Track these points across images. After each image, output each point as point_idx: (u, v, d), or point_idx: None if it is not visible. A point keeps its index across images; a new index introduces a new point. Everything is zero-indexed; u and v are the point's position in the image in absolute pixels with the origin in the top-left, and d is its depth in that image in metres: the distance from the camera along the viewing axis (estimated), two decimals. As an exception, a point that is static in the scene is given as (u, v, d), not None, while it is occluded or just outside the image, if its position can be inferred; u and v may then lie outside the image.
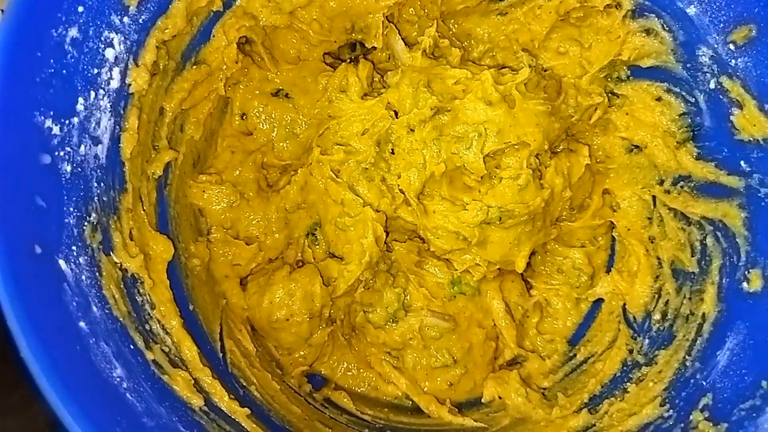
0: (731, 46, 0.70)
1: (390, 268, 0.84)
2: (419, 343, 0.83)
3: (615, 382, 0.80)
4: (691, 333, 0.74)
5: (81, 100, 0.60)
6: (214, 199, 0.80)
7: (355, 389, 0.87)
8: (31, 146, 0.55)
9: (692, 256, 0.78)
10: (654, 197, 0.84)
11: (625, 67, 0.83)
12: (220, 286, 0.80)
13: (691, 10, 0.72)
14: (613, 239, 0.89)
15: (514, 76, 0.77)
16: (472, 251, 0.80)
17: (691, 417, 0.67)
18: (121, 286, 0.62)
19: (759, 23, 0.67)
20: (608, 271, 0.88)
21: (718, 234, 0.75)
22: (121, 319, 0.60)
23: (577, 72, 0.84)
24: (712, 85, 0.73)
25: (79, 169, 0.59)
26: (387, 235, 0.81)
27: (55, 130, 0.57)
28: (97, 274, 0.59)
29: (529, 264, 0.82)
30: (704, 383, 0.68)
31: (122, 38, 0.64)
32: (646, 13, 0.77)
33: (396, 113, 0.80)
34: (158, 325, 0.65)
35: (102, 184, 0.62)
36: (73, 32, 0.58)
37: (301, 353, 0.83)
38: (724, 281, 0.73)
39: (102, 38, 0.61)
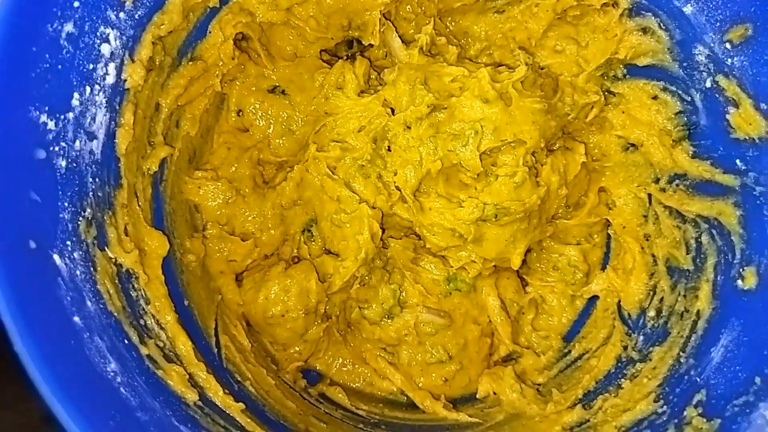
0: (727, 45, 0.70)
1: (386, 265, 0.84)
2: (414, 339, 0.84)
3: (609, 378, 0.80)
4: (685, 330, 0.74)
5: (76, 95, 0.60)
6: (209, 196, 0.80)
7: (350, 385, 0.87)
8: (26, 141, 0.55)
9: (687, 253, 0.79)
10: (649, 195, 0.84)
11: (621, 66, 0.83)
12: (215, 282, 0.80)
13: (688, 9, 0.72)
14: (609, 237, 0.89)
15: (511, 74, 0.77)
16: (468, 248, 0.80)
17: (684, 413, 0.67)
18: (116, 281, 0.62)
19: (755, 22, 0.67)
20: (603, 269, 0.88)
21: (713, 232, 0.75)
22: (115, 314, 0.60)
23: (573, 70, 0.84)
24: (708, 84, 0.73)
25: (74, 165, 0.59)
26: (383, 232, 0.81)
27: (51, 125, 0.57)
28: (92, 269, 0.59)
29: (524, 261, 0.82)
30: (698, 379, 0.69)
31: (118, 34, 0.64)
32: (643, 12, 0.77)
33: (393, 110, 0.80)
34: (153, 320, 0.65)
35: (97, 180, 0.62)
36: (69, 27, 0.58)
37: (297, 349, 0.83)
38: (718, 279, 0.73)
39: (98, 33, 0.61)
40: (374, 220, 0.79)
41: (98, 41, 0.61)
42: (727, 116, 0.72)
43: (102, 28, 0.62)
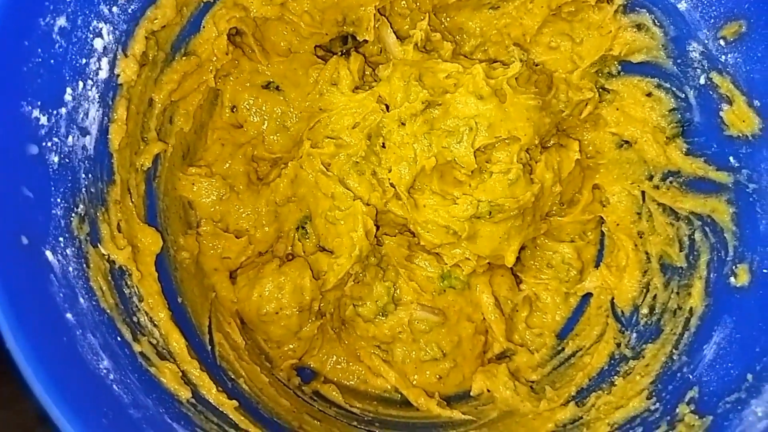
0: (721, 42, 0.70)
1: (380, 262, 0.84)
2: (408, 337, 0.84)
3: (602, 375, 0.80)
4: (678, 327, 0.75)
5: (69, 90, 0.59)
6: (203, 192, 0.80)
7: (345, 382, 0.87)
8: (18, 136, 0.54)
9: (680, 251, 0.79)
10: (643, 192, 0.84)
11: (615, 63, 0.83)
12: (209, 279, 0.79)
13: (682, 6, 0.73)
14: (603, 234, 0.89)
15: (506, 71, 0.77)
16: (462, 245, 0.80)
17: (677, 410, 0.67)
18: (109, 278, 0.62)
19: (749, 19, 0.67)
20: (597, 266, 0.88)
21: (707, 229, 0.75)
22: (108, 311, 0.60)
23: (568, 67, 0.84)
24: (702, 81, 0.74)
25: (67, 160, 0.59)
26: (377, 229, 0.81)
27: (43, 120, 0.56)
28: (85, 265, 0.59)
29: (518, 258, 0.83)
30: (691, 377, 0.69)
31: (111, 28, 0.63)
32: (638, 9, 0.77)
33: (387, 107, 0.80)
34: (146, 318, 0.65)
35: (90, 176, 0.62)
36: (61, 21, 0.58)
37: (291, 346, 0.83)
38: (711, 276, 0.73)
39: (90, 28, 0.61)
40: (368, 217, 0.79)
41: (91, 36, 0.61)
42: (721, 113, 0.72)
43: (95, 22, 0.61)
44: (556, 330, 0.88)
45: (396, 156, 0.78)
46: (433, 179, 0.78)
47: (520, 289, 0.88)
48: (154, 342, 0.64)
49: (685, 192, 0.78)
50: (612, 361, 0.81)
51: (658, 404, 0.70)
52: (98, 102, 0.63)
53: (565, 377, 0.84)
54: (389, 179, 0.79)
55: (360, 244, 0.79)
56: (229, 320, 0.79)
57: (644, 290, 0.82)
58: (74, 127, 0.60)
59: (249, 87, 0.84)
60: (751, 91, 0.68)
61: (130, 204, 0.68)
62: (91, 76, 0.62)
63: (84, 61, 0.61)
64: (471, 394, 0.85)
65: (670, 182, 0.81)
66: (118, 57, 0.64)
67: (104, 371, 0.56)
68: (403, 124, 0.78)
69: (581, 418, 0.76)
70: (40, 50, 0.56)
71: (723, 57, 0.70)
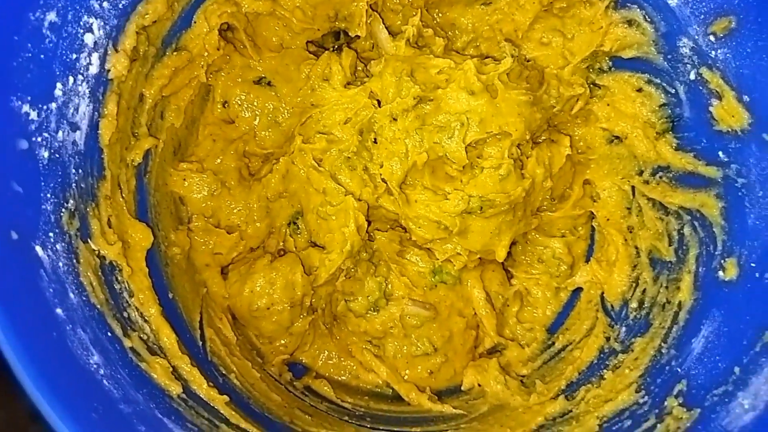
0: (711, 38, 0.71)
1: (371, 257, 0.85)
2: (400, 332, 0.84)
3: (592, 369, 0.81)
4: (667, 321, 0.75)
5: (59, 85, 0.59)
6: (194, 188, 0.80)
7: (336, 377, 0.87)
8: (8, 131, 0.54)
9: (670, 245, 0.79)
10: (633, 187, 0.84)
11: (606, 58, 0.83)
12: (200, 275, 0.79)
13: (673, 2, 0.73)
14: (593, 229, 0.89)
15: (497, 66, 0.77)
16: (454, 240, 0.80)
17: (665, 403, 0.68)
18: (99, 273, 0.61)
19: (739, 15, 0.68)
20: (587, 261, 0.88)
21: (696, 224, 0.76)
22: (98, 306, 0.59)
23: (559, 63, 0.84)
24: (692, 77, 0.74)
25: (57, 155, 0.59)
26: (369, 225, 0.81)
27: (33, 115, 0.56)
28: (75, 261, 0.58)
29: (509, 253, 0.83)
30: (679, 370, 0.69)
31: (102, 23, 0.63)
32: (629, 5, 0.78)
33: (379, 102, 0.80)
34: (136, 313, 0.65)
35: (80, 171, 0.62)
36: (52, 16, 0.58)
37: (282, 342, 0.83)
38: (700, 270, 0.74)
39: (81, 23, 0.61)
40: (360, 213, 0.79)
41: (81, 31, 0.61)
42: (711, 108, 0.72)
43: (85, 17, 0.61)
44: (546, 324, 0.89)
45: (388, 151, 0.79)
46: (425, 174, 0.79)
47: (511, 284, 0.88)
48: (145, 337, 0.64)
49: (675, 187, 0.79)
50: (601, 355, 0.81)
51: (646, 397, 0.71)
52: (89, 97, 0.62)
53: (555, 371, 0.84)
54: (381, 175, 0.79)
55: (351, 239, 0.79)
56: (220, 316, 0.79)
57: (634, 284, 0.83)
58: (64, 122, 0.60)
59: (240, 82, 0.83)
60: (741, 87, 0.69)
61: (121, 199, 0.68)
62: (81, 71, 0.61)
63: (74, 56, 0.60)
64: (462, 388, 0.85)
65: (660, 177, 0.81)
66: (109, 52, 0.64)
67: (94, 366, 0.56)
68: (395, 119, 0.78)
69: (571, 411, 0.77)
70: (30, 45, 0.56)
71: (713, 53, 0.71)
